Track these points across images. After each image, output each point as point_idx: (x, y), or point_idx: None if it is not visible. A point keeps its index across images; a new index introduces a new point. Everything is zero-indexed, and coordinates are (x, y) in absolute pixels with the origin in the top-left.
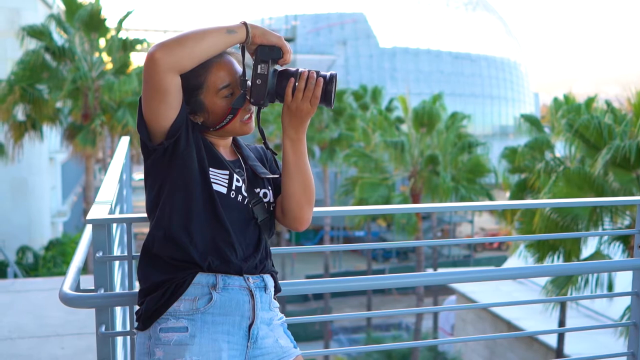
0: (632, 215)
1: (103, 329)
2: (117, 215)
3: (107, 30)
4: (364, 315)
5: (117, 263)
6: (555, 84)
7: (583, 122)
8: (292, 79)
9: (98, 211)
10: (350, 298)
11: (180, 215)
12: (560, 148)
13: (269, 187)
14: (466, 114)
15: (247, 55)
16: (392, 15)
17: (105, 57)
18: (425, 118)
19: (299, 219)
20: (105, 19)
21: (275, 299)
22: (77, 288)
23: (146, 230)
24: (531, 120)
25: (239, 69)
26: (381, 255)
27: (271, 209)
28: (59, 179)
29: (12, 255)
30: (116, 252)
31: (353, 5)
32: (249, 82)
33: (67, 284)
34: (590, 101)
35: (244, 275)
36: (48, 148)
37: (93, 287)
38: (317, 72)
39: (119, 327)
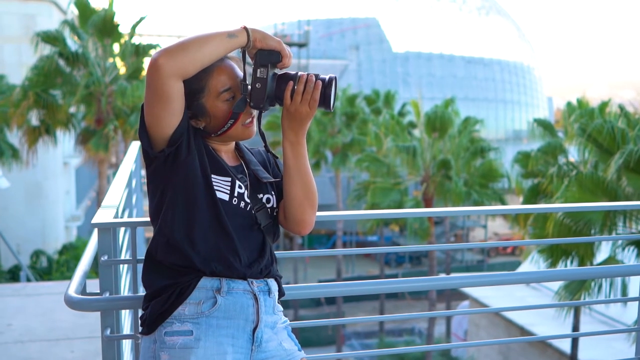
0: None
1: (108, 332)
2: (121, 219)
3: (120, 35)
4: (375, 319)
5: (125, 267)
6: (569, 88)
7: (596, 126)
8: (291, 82)
9: (103, 215)
10: (364, 303)
11: (182, 222)
12: (575, 153)
13: (272, 192)
14: (479, 119)
15: (248, 59)
16: (404, 20)
17: (118, 62)
18: (438, 123)
19: (302, 222)
20: (118, 25)
21: (279, 302)
22: (83, 291)
23: None
24: (544, 125)
25: (240, 73)
26: (394, 260)
27: (274, 213)
28: (73, 184)
29: (26, 259)
30: (125, 255)
31: (366, 10)
32: (249, 87)
33: (72, 287)
34: (603, 105)
35: (248, 279)
36: (62, 153)
37: (99, 291)
38: (316, 75)
39: (126, 331)
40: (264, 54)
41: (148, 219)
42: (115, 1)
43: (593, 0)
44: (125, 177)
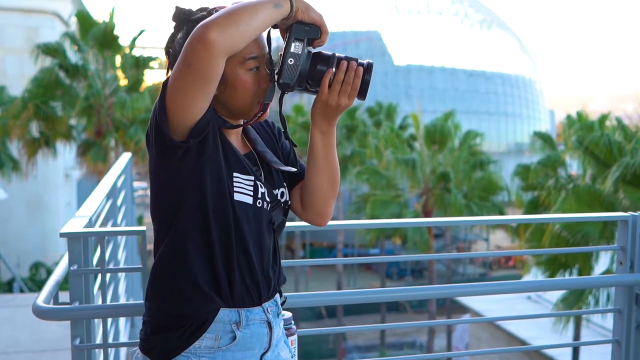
0: None
1: (77, 342)
2: (90, 228)
3: (120, 48)
4: (376, 327)
5: (100, 277)
6: (572, 101)
7: (593, 139)
8: (330, 70)
9: (74, 225)
10: (364, 316)
11: (200, 235)
12: (576, 166)
13: (285, 183)
14: (480, 132)
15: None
16: (406, 33)
17: (118, 74)
18: (437, 135)
19: (323, 214)
20: (118, 37)
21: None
22: (55, 301)
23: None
24: (544, 138)
25: (265, 45)
26: (396, 274)
27: (287, 207)
28: (74, 196)
29: (26, 272)
30: (107, 265)
31: (368, 24)
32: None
33: (41, 297)
34: (603, 118)
35: (263, 305)
36: (64, 165)
37: (69, 301)
38: (356, 61)
39: (97, 341)
40: (302, 27)
41: (118, 228)
42: (116, 14)
43: (596, 14)
44: (106, 187)
